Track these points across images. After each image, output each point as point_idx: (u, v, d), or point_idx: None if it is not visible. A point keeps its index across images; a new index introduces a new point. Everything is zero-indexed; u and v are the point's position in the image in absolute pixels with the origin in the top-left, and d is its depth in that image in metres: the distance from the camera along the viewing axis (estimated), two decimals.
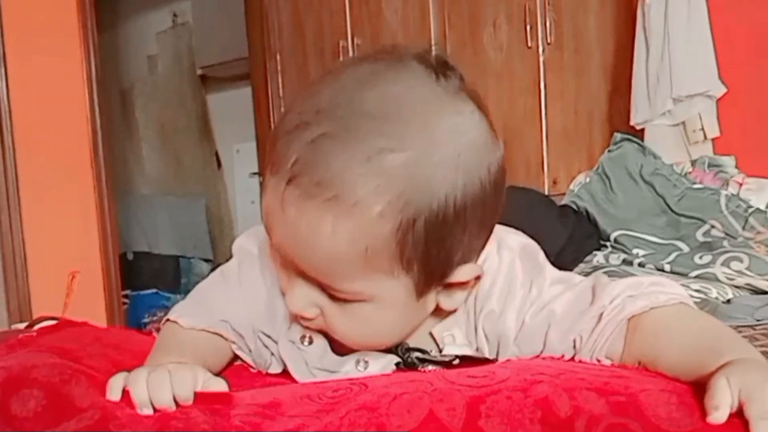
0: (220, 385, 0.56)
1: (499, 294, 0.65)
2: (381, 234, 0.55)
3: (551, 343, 0.63)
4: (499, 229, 0.68)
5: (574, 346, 0.62)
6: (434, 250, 0.57)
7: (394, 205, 0.54)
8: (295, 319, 0.65)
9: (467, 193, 0.57)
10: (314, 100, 0.57)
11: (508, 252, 0.66)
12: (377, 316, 0.60)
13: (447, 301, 0.63)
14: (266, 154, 0.59)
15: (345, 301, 0.59)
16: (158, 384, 0.53)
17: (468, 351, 0.66)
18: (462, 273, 0.61)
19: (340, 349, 0.66)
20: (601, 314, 0.61)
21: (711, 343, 0.55)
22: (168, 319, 0.71)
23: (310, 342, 0.66)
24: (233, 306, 0.70)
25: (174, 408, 0.53)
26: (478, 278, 0.64)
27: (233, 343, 0.72)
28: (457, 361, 0.66)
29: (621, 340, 0.60)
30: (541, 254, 0.69)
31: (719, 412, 0.47)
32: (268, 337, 0.70)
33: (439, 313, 0.66)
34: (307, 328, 0.65)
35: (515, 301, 0.64)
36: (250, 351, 0.72)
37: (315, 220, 0.54)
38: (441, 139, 0.56)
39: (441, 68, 0.59)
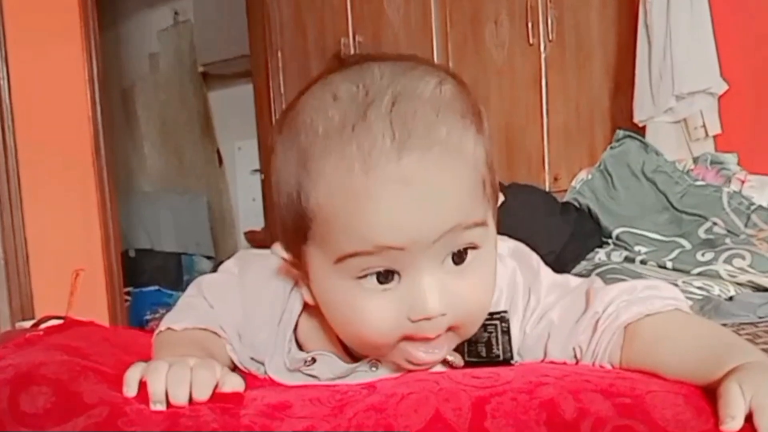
0: (237, 382, 0.56)
1: (505, 304, 0.65)
2: (481, 157, 0.58)
3: (552, 353, 0.63)
4: None
5: (575, 356, 0.62)
6: (493, 169, 0.61)
7: (475, 127, 0.58)
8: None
9: (482, 111, 0.62)
10: (350, 92, 0.57)
11: (509, 260, 0.67)
12: (487, 263, 0.60)
13: None
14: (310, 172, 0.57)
15: (463, 261, 0.58)
16: (178, 379, 0.52)
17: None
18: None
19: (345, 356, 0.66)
20: (597, 322, 0.60)
21: (713, 350, 0.54)
22: (160, 331, 0.70)
23: (314, 361, 0.66)
24: (216, 312, 0.70)
25: (187, 405, 0.52)
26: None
27: (227, 342, 0.70)
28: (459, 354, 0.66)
29: (618, 349, 0.59)
30: (534, 256, 0.69)
31: (735, 421, 0.46)
32: (253, 359, 0.69)
33: None
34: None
35: (518, 311, 0.65)
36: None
37: (438, 168, 0.55)
38: (452, 73, 0.61)
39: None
